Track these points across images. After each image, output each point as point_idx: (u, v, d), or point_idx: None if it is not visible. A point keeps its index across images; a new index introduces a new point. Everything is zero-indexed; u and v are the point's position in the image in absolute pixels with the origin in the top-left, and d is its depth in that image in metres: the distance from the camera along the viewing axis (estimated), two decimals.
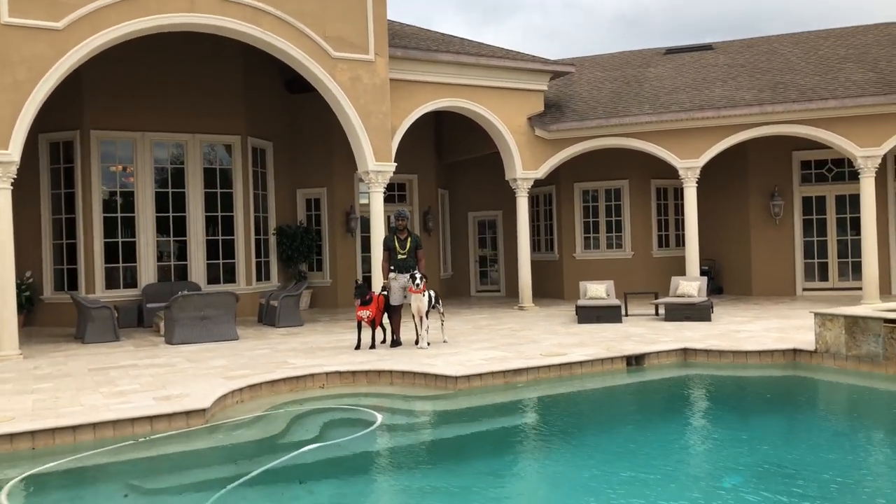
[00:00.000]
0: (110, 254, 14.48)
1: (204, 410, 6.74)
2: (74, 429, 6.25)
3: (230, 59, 15.57)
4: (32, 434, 6.12)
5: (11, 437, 6.06)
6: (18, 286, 13.25)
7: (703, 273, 16.19)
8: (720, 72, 16.35)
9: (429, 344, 10.30)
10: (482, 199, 19.55)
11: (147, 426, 6.47)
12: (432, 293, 10.43)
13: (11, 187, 10.69)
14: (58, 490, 5.34)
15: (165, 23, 11.53)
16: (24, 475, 5.48)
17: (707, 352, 9.30)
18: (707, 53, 17.85)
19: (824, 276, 16.42)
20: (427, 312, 10.21)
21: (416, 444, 6.31)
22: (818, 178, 16.47)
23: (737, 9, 60.74)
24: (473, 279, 19.83)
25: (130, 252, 14.62)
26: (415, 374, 8.40)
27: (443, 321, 11.03)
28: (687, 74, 16.58)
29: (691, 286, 12.85)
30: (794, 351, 9.03)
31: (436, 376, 8.21)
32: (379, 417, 6.97)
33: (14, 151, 10.49)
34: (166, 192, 14.96)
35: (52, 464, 5.71)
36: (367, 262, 16.72)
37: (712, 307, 12.51)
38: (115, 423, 6.38)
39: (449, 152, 19.07)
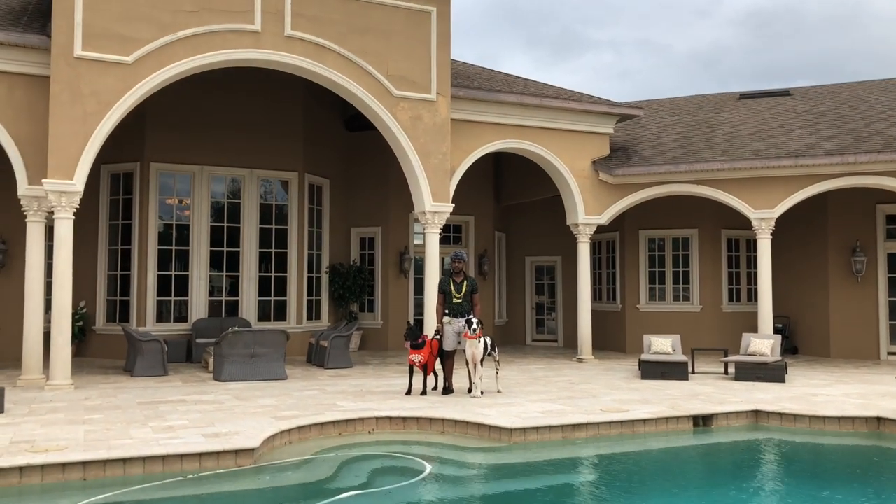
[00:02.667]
0: (163, 287, 14.54)
1: (253, 450, 6.70)
2: (125, 461, 6.29)
3: (290, 95, 15.73)
4: (84, 465, 6.17)
5: (63, 466, 6.11)
6: (72, 316, 13.32)
7: (776, 331, 15.40)
8: (798, 119, 15.69)
9: (482, 393, 10.00)
10: (541, 244, 19.10)
11: (196, 463, 6.48)
12: (488, 340, 10.14)
13: (74, 217, 10.83)
14: None
15: (230, 58, 11.70)
16: None
17: (780, 415, 8.81)
18: (784, 99, 17.22)
19: None
20: (482, 360, 9.89)
21: (465, 497, 6.03)
22: None
23: (819, 51, 59.48)
24: (529, 327, 19.25)
25: (183, 286, 14.64)
26: (467, 423, 8.14)
27: (498, 370, 10.62)
28: (762, 120, 15.98)
29: (764, 344, 12.19)
30: (878, 419, 8.51)
31: (489, 427, 7.94)
32: (428, 467, 6.77)
33: (78, 182, 10.69)
34: (221, 227, 15.01)
35: (102, 496, 5.74)
36: (419, 304, 16.46)
37: (786, 368, 11.85)
38: (164, 459, 6.41)
39: (508, 194, 18.77)
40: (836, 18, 60.56)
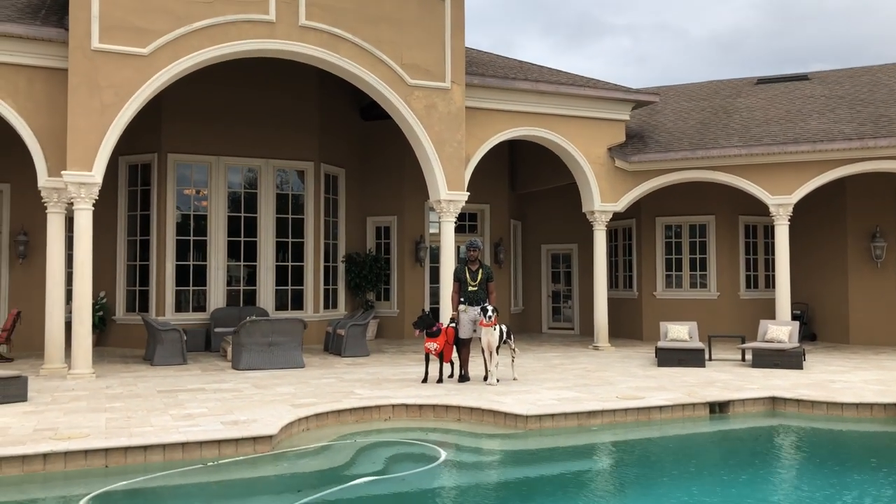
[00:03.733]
0: (181, 277, 14.63)
1: (271, 437, 6.75)
2: (145, 449, 6.36)
3: (305, 85, 15.73)
4: (106, 451, 6.24)
5: (86, 453, 6.18)
6: (93, 306, 13.48)
7: (794, 317, 15.24)
8: (816, 103, 15.48)
9: (498, 381, 9.99)
10: (557, 232, 19.03)
11: (215, 450, 6.53)
12: (504, 327, 10.12)
13: (93, 208, 10.92)
14: None
15: (245, 49, 11.69)
16: (95, 492, 5.54)
17: (798, 402, 8.76)
18: (802, 83, 16.98)
19: None
20: (497, 347, 9.88)
21: (480, 483, 6.03)
22: None
23: (841, 34, 58.38)
24: (545, 315, 19.22)
25: (201, 276, 14.74)
26: (483, 410, 8.14)
27: (514, 357, 10.60)
28: (780, 105, 15.77)
29: (781, 331, 12.06)
30: None
31: (505, 414, 7.93)
32: (443, 454, 6.78)
33: (97, 173, 10.76)
34: (238, 217, 15.08)
35: (123, 482, 5.77)
36: (435, 293, 16.48)
37: (804, 354, 11.71)
38: (184, 446, 6.47)
39: (523, 182, 18.70)
40: (857, 0, 59.42)
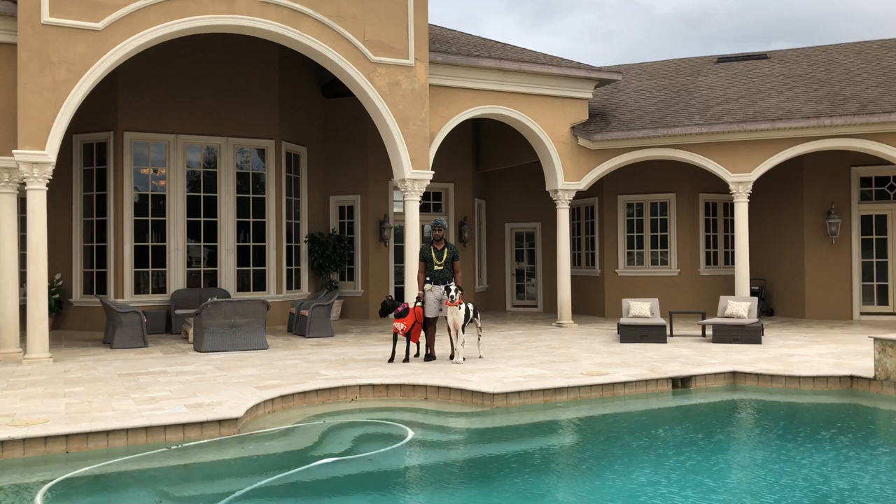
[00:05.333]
0: (140, 258, 14.35)
1: (236, 420, 6.70)
2: (108, 433, 6.26)
3: (266, 61, 15.44)
4: (66, 437, 6.12)
5: (45, 439, 6.05)
6: (48, 288, 13.14)
7: (753, 293, 15.57)
8: (775, 82, 15.70)
9: (464, 359, 10.05)
10: (520, 211, 19.10)
11: (179, 433, 6.47)
12: (470, 306, 10.15)
13: (47, 188, 10.60)
14: (91, 495, 5.23)
15: (203, 24, 11.41)
16: (57, 479, 5.44)
17: (757, 376, 8.95)
18: (761, 62, 17.21)
19: (884, 300, 15.56)
20: (463, 326, 9.91)
21: (448, 461, 6.06)
22: (879, 196, 15.65)
23: (805, 11, 59.06)
24: (509, 293, 19.34)
25: (160, 257, 14.47)
26: (450, 389, 8.18)
27: (479, 336, 10.65)
28: (740, 84, 15.97)
29: (741, 307, 12.29)
30: (851, 378, 8.70)
31: (472, 392, 7.98)
32: (410, 433, 6.80)
33: (50, 152, 10.45)
34: (198, 196, 14.80)
35: (85, 468, 5.68)
36: (399, 272, 16.44)
37: (763, 329, 11.95)
38: (147, 430, 6.39)
39: (487, 161, 18.68)
40: None
